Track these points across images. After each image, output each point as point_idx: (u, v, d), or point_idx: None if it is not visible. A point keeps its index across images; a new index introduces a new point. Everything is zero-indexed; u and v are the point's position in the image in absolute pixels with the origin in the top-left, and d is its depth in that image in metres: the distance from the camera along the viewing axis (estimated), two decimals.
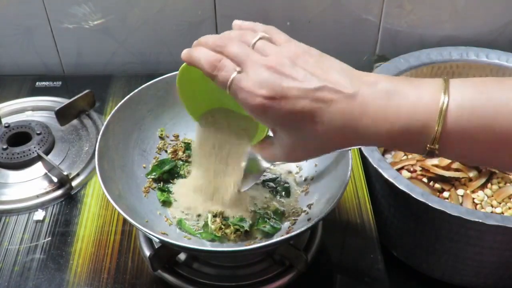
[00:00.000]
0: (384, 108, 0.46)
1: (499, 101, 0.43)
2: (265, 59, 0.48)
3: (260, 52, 0.49)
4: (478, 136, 0.44)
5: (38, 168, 0.82)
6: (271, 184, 0.74)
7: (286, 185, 0.73)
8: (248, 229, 0.67)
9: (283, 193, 0.72)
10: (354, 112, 0.46)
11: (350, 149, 0.61)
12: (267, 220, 0.68)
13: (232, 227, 0.66)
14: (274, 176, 0.74)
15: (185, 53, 0.53)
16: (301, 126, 0.48)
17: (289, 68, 0.48)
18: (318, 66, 0.48)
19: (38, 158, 0.82)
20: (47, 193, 0.78)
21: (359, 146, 0.47)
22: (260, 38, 0.50)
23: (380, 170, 0.72)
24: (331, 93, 0.46)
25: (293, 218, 0.69)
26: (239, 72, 0.49)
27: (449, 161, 0.77)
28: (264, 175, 0.74)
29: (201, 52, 0.52)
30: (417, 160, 0.79)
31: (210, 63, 0.50)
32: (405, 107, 0.45)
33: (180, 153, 0.76)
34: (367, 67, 0.99)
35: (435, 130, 0.44)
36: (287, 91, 0.47)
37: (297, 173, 0.75)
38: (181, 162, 0.76)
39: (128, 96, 0.73)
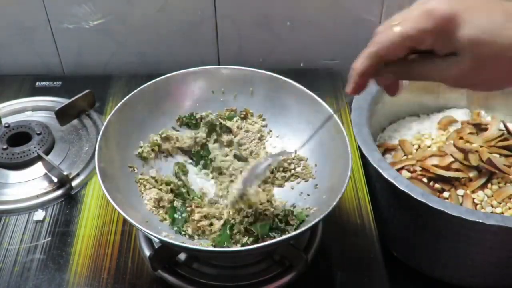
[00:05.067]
0: None
1: None
2: None
3: None
4: None
5: (38, 168, 0.82)
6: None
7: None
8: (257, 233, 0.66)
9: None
10: None
11: None
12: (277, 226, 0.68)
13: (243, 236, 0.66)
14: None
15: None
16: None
17: None
18: None
19: (38, 158, 0.82)
20: (47, 193, 0.78)
21: None
22: None
23: (380, 170, 0.72)
24: None
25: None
26: None
27: (449, 161, 0.77)
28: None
29: None
30: (417, 160, 0.79)
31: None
32: None
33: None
34: None
35: None
36: None
37: None
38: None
39: (128, 96, 0.73)
